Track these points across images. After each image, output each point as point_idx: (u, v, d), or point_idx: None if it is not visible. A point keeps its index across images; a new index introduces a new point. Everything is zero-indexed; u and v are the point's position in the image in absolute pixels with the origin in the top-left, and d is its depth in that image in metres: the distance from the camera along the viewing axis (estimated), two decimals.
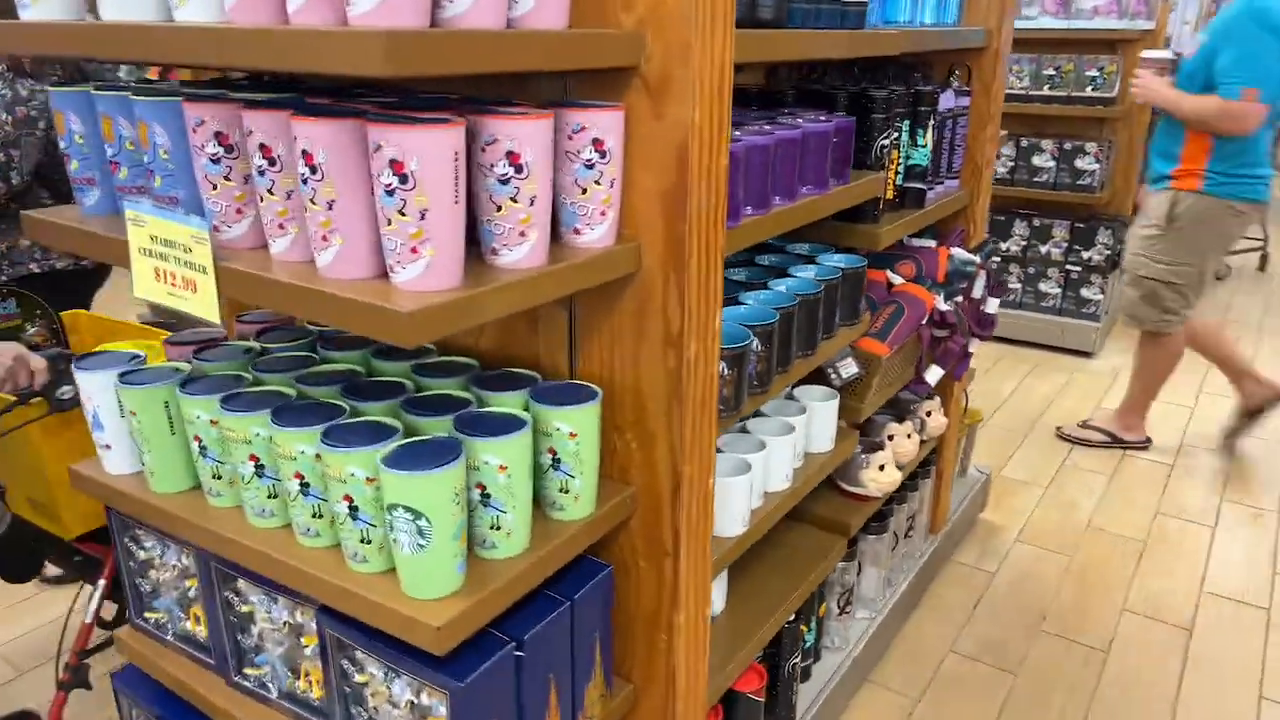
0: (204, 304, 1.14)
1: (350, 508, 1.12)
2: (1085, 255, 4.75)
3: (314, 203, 1.02)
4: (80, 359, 1.43)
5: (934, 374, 2.21)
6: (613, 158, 1.18)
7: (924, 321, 2.13)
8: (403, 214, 0.97)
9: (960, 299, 2.28)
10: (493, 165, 1.06)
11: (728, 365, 1.42)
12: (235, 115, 1.11)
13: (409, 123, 0.95)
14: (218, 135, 1.12)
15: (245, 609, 1.41)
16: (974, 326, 2.34)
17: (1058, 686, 2.44)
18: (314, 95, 1.26)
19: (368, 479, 1.11)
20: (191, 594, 1.51)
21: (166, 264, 1.17)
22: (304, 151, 0.99)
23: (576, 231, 1.20)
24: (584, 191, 1.18)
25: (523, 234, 1.09)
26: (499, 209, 1.08)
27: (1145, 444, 3.78)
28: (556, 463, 1.26)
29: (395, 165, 0.95)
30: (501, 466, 1.16)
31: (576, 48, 1.10)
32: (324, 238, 1.03)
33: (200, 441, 1.31)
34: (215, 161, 1.13)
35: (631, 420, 1.36)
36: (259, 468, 1.25)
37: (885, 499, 2.28)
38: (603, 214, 1.20)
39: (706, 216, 1.25)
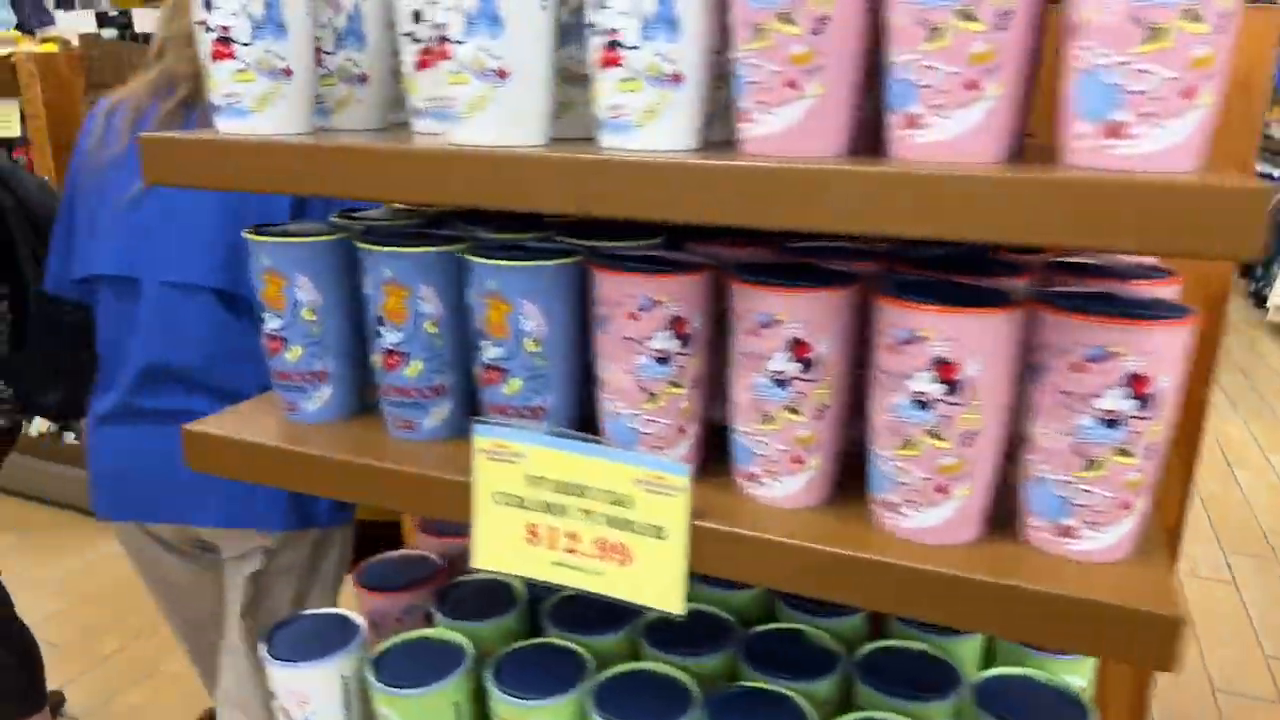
0: (647, 584, 0.72)
1: None
2: None
3: (939, 438, 0.63)
4: (272, 635, 0.93)
5: None
6: None
7: None
8: (1125, 455, 0.62)
9: None
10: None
11: None
12: (705, 292, 0.71)
13: (1145, 317, 0.60)
14: (674, 322, 0.71)
15: None
16: None
17: None
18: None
19: None
20: None
21: (561, 519, 0.73)
22: (938, 361, 0.62)
23: None
24: None
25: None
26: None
27: None
28: None
29: (1136, 382, 0.60)
30: None
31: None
32: (939, 487, 0.65)
33: None
34: (662, 361, 0.72)
35: None
36: None
37: None
38: None
39: None
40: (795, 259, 0.76)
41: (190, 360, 1.31)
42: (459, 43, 0.67)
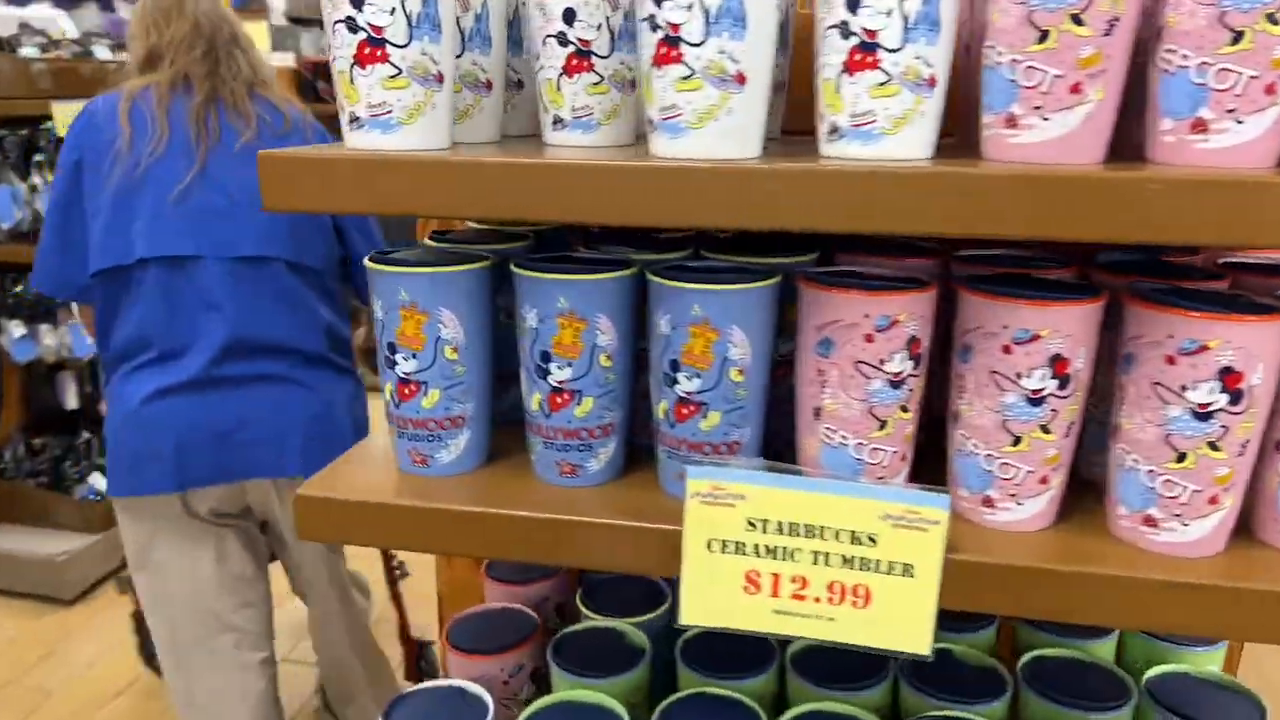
0: (889, 626, 0.67)
1: None
2: None
3: (1217, 449, 0.62)
4: (389, 714, 0.82)
5: None
6: None
7: None
8: None
9: None
10: None
11: None
12: (936, 308, 0.67)
13: None
14: (911, 343, 0.66)
15: None
16: None
17: None
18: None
19: None
20: None
21: (786, 564, 0.67)
22: (1225, 370, 0.60)
23: None
24: None
25: None
26: None
27: None
28: None
29: None
30: None
31: None
32: (1212, 499, 0.64)
33: None
34: (896, 385, 0.67)
35: None
36: None
37: None
38: None
39: None
40: (993, 270, 0.73)
41: (266, 327, 1.40)
42: (696, 45, 0.60)
